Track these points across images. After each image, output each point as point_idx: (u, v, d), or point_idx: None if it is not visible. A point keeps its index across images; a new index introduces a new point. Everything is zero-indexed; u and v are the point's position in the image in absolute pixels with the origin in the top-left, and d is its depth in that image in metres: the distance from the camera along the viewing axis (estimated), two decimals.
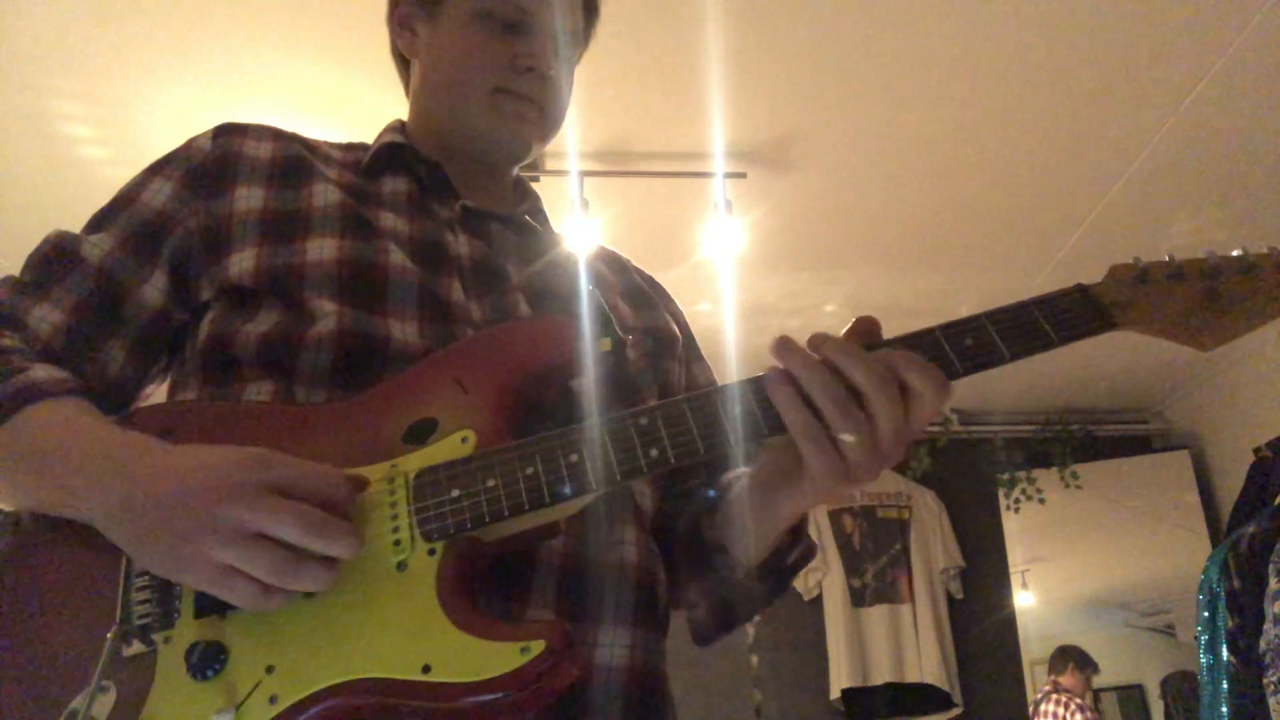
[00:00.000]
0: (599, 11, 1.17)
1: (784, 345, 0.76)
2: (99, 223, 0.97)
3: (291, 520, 0.69)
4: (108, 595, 0.77)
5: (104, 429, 0.80)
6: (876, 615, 4.43)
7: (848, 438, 0.74)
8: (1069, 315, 0.81)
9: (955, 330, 0.80)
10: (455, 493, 0.77)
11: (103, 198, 1.00)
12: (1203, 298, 0.82)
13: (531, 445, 0.79)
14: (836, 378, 0.74)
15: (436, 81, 1.08)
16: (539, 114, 1.06)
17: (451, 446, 0.80)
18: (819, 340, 0.77)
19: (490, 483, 0.77)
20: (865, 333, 0.80)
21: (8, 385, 0.80)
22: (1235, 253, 0.84)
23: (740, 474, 0.95)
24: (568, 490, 0.77)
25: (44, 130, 2.68)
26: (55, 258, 0.94)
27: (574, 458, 0.78)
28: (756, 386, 0.79)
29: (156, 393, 1.00)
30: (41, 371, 0.82)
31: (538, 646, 0.70)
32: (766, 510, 0.87)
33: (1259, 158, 2.98)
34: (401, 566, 0.75)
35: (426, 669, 0.70)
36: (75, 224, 0.99)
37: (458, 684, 0.70)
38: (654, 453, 0.77)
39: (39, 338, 0.89)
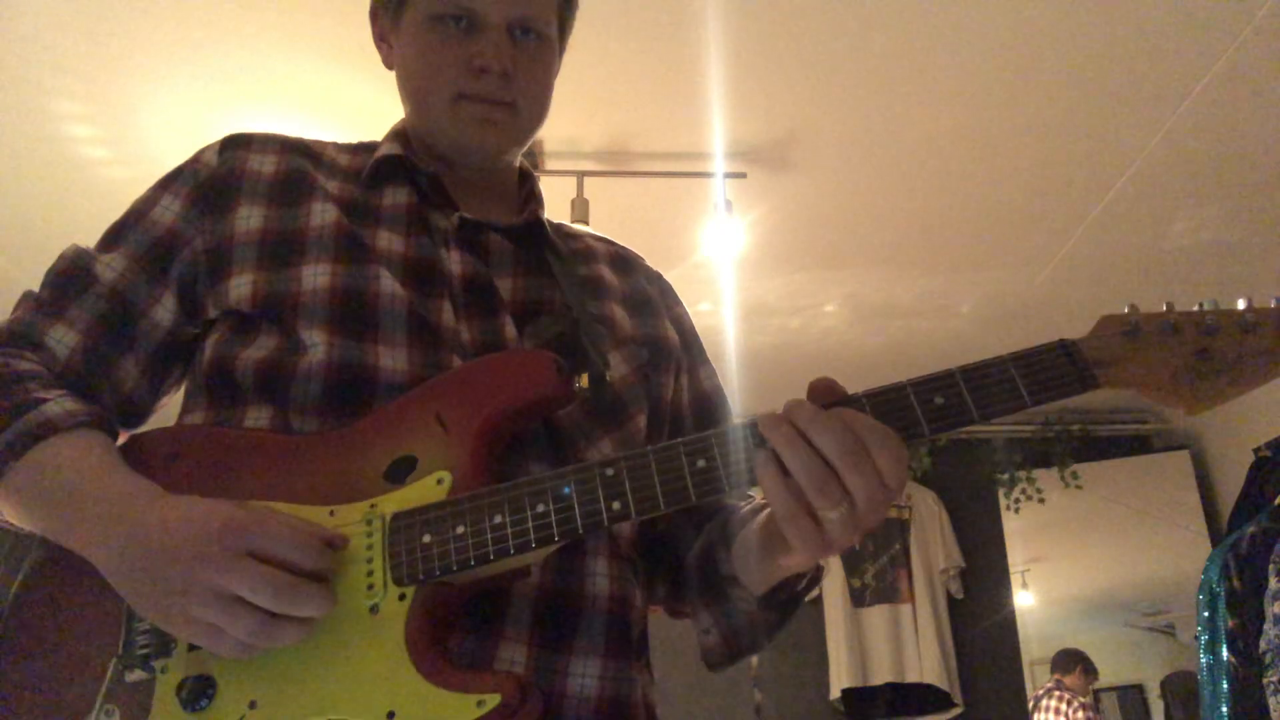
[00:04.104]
0: None
1: (769, 422, 0.75)
2: (112, 239, 1.00)
3: (263, 586, 0.74)
4: (115, 623, 0.83)
5: (106, 474, 0.84)
6: (876, 615, 4.43)
7: (829, 515, 0.73)
8: (1048, 375, 0.77)
9: (927, 386, 0.77)
10: (426, 539, 0.80)
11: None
12: (1194, 356, 0.76)
13: (501, 493, 0.80)
14: (815, 454, 0.73)
15: (407, 95, 1.07)
16: (510, 113, 1.02)
17: (427, 488, 0.82)
18: (792, 408, 0.75)
19: (459, 530, 0.79)
20: (826, 392, 0.78)
21: (22, 422, 0.85)
22: (1240, 304, 0.77)
23: (752, 507, 0.95)
24: (531, 541, 0.79)
25: (44, 130, 2.68)
26: (71, 276, 0.97)
27: (540, 508, 0.79)
28: (721, 440, 0.78)
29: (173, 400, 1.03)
30: (55, 406, 0.86)
31: (492, 701, 0.73)
32: (771, 562, 0.87)
33: (1259, 158, 2.98)
34: (374, 610, 0.79)
35: (391, 715, 0.74)
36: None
37: None
38: (616, 505, 0.78)
39: (57, 359, 0.93)
